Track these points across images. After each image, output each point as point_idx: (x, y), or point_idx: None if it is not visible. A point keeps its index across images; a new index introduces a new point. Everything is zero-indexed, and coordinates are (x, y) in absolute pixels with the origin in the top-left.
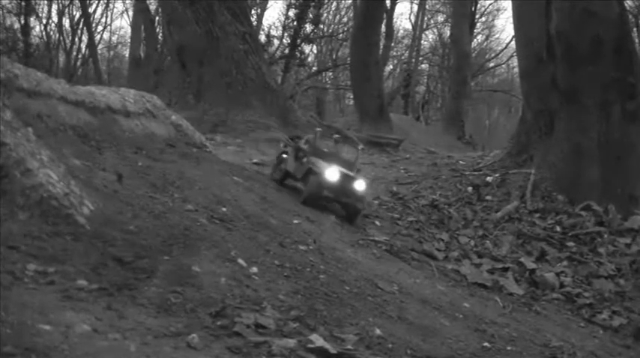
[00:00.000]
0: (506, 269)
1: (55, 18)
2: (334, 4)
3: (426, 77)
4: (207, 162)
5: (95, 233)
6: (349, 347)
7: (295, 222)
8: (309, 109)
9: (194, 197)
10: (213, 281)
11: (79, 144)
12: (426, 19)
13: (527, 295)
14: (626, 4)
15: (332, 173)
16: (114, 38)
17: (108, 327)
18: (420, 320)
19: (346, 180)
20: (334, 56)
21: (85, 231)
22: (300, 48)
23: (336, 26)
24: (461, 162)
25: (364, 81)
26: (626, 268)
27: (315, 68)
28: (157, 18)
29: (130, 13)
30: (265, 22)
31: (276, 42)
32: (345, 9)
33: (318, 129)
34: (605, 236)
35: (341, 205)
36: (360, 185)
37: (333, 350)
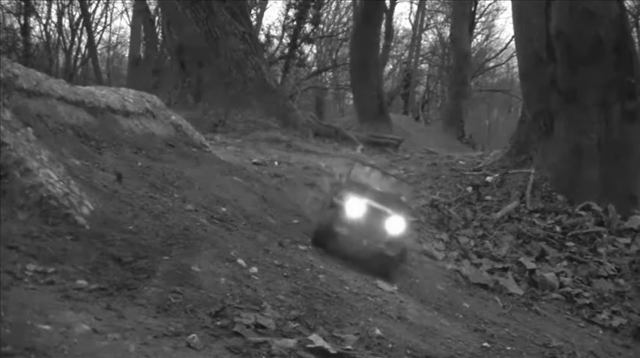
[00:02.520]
0: (505, 269)
1: (54, 18)
2: (334, 4)
3: (425, 77)
4: (207, 162)
5: (95, 233)
6: (349, 347)
7: (295, 221)
8: (309, 109)
9: (194, 197)
10: (212, 281)
11: (79, 144)
12: (425, 19)
13: (527, 295)
14: (626, 4)
15: (355, 205)
16: (113, 38)
17: (107, 327)
18: (419, 320)
19: (375, 216)
20: (334, 56)
21: (84, 231)
22: (299, 48)
23: (336, 26)
24: (460, 162)
25: (364, 81)
26: (625, 268)
27: (314, 68)
28: (157, 18)
29: (130, 13)
30: (265, 22)
31: (275, 42)
32: (344, 9)
33: (358, 160)
34: (605, 236)
35: (361, 249)
36: (395, 225)
37: (332, 350)
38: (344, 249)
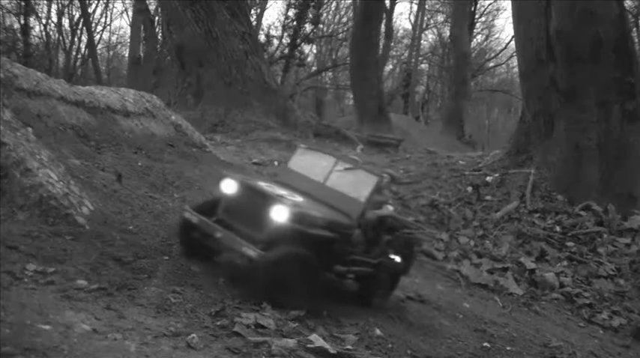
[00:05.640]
0: (505, 269)
1: (54, 18)
2: (334, 4)
3: (425, 77)
4: (207, 162)
5: (94, 233)
6: (349, 347)
7: None
8: (308, 109)
9: (194, 197)
10: (213, 282)
11: (79, 144)
12: (425, 19)
13: (527, 295)
14: (626, 4)
15: (227, 185)
16: (113, 38)
17: (107, 327)
18: (420, 320)
19: (251, 201)
20: (334, 56)
21: (84, 231)
22: (299, 48)
23: (336, 26)
24: (461, 162)
25: (364, 81)
26: (625, 268)
27: (314, 68)
28: (157, 18)
29: (130, 13)
30: (265, 22)
31: (275, 42)
32: (344, 9)
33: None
34: (605, 236)
35: (214, 246)
36: (278, 212)
37: (332, 350)
38: (199, 247)
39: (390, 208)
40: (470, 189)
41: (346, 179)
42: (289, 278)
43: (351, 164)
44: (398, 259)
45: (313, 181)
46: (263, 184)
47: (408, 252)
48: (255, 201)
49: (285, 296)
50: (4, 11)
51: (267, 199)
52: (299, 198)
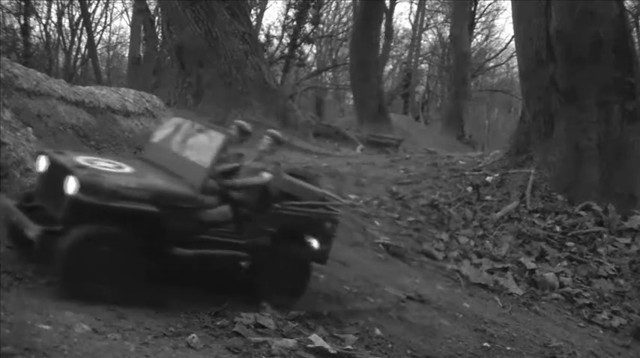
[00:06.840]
0: (505, 269)
1: (54, 18)
2: (334, 4)
3: (425, 77)
4: None
5: None
6: (349, 347)
7: None
8: (308, 109)
9: None
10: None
11: (79, 144)
12: (425, 19)
13: (527, 295)
14: (626, 4)
15: (39, 160)
16: (113, 38)
17: (107, 327)
18: (419, 320)
19: (54, 171)
20: (334, 56)
21: None
22: (299, 48)
23: (336, 26)
24: (460, 162)
25: (364, 81)
26: (625, 268)
27: (314, 68)
28: (157, 18)
29: (130, 13)
30: (265, 22)
31: (275, 42)
32: (344, 9)
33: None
34: (605, 236)
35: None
36: (70, 184)
37: (332, 350)
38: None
39: (267, 176)
40: (470, 189)
41: (197, 143)
42: (88, 262)
43: (203, 125)
44: (315, 243)
45: (168, 151)
46: (80, 158)
47: (317, 233)
48: (56, 176)
49: (91, 284)
50: (4, 11)
51: (63, 171)
52: (127, 169)
